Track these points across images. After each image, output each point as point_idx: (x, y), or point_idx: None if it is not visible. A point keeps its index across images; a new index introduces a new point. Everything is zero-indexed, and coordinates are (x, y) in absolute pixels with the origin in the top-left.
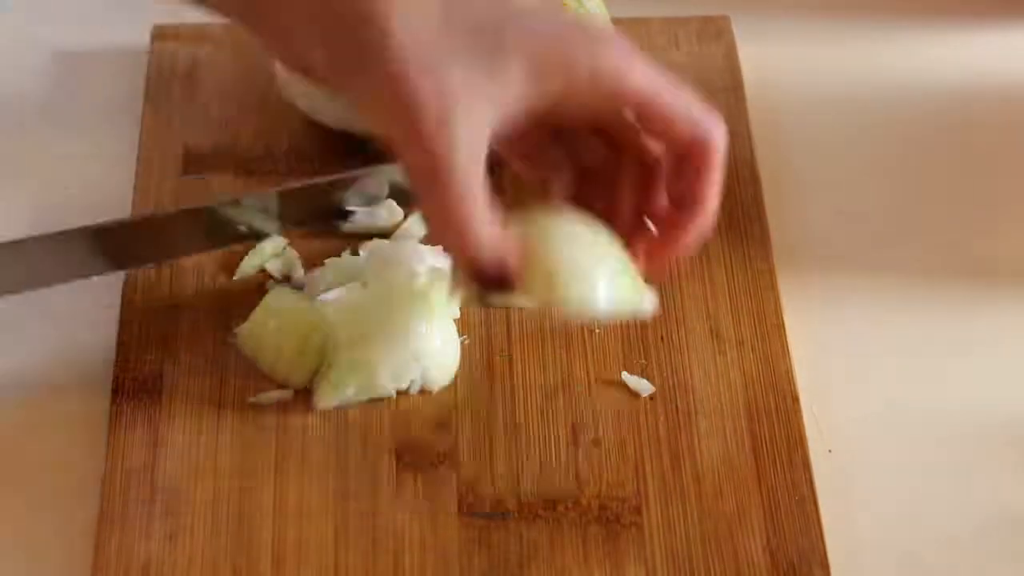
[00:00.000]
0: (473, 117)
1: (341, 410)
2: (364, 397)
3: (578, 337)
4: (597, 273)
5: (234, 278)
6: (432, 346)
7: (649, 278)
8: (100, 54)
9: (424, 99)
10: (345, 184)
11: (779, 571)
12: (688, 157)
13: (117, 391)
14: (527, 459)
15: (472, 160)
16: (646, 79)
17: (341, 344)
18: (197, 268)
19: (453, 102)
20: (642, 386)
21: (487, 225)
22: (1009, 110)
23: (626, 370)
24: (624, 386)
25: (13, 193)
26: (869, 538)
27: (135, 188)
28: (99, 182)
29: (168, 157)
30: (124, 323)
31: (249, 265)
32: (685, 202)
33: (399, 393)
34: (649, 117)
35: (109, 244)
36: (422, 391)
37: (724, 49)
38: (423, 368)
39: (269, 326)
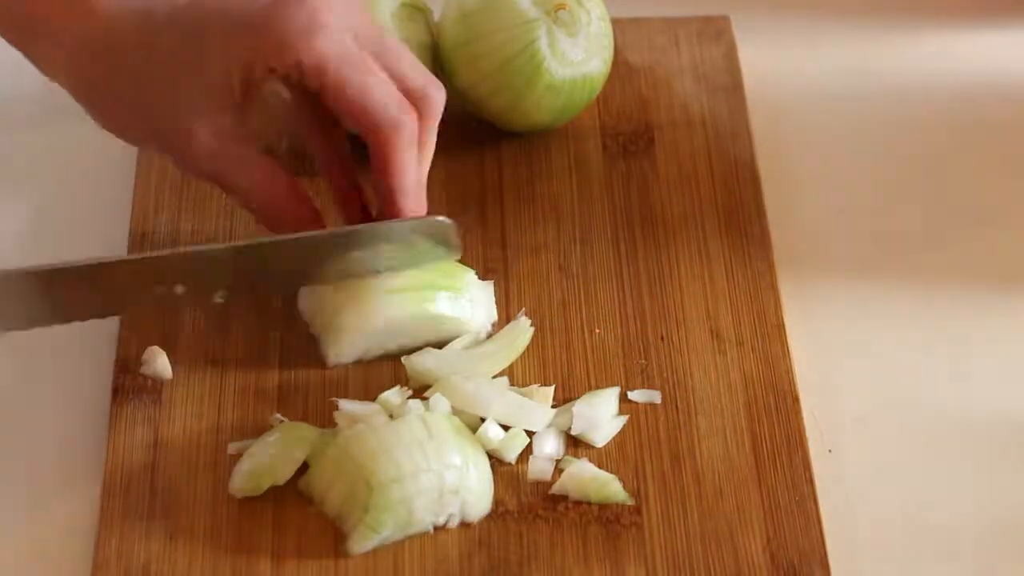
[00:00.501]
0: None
1: None
2: (400, 536)
3: (578, 337)
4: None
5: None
6: (470, 479)
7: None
8: None
9: None
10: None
11: (779, 571)
12: (372, 144)
13: (117, 391)
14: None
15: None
16: (323, 57)
17: (377, 484)
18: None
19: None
20: (652, 397)
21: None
22: (1009, 110)
23: (626, 370)
24: None
25: (13, 193)
26: (869, 538)
27: (135, 188)
28: (99, 182)
29: (168, 160)
30: (124, 323)
31: None
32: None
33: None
34: (332, 98)
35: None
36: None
37: (724, 49)
38: (462, 502)
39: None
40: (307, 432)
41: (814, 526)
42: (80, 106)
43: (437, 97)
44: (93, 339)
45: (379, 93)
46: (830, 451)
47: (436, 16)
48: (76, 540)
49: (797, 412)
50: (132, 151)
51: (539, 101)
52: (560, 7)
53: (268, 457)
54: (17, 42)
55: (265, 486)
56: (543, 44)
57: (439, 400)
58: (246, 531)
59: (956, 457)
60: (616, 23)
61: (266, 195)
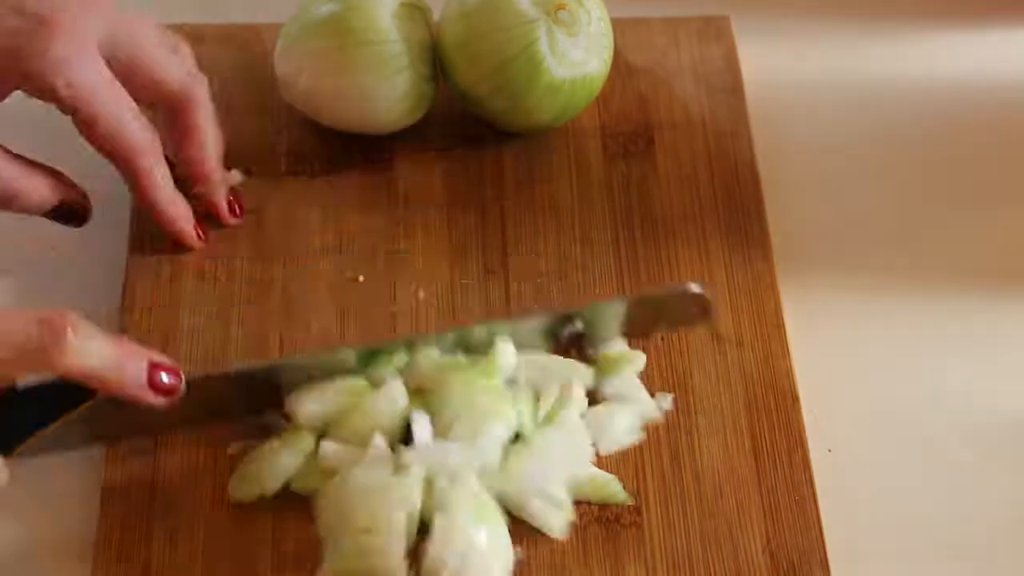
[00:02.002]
0: None
1: None
2: None
3: None
4: None
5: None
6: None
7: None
8: None
9: None
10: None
11: (779, 571)
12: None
13: None
14: None
15: None
16: (72, 99)
17: (351, 529)
18: (198, 269)
19: None
20: (664, 402)
21: None
22: (1009, 110)
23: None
24: None
25: None
26: (869, 538)
27: None
28: (99, 182)
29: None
30: (124, 324)
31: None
32: None
33: None
34: (84, 131)
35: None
36: None
37: (724, 49)
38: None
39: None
40: (307, 443)
41: (814, 526)
42: None
43: (196, 93)
44: None
45: (128, 130)
46: (830, 451)
47: (436, 16)
48: (76, 540)
49: (797, 412)
50: None
51: (539, 101)
52: (560, 7)
53: (267, 464)
54: None
55: (259, 493)
56: (543, 44)
57: (420, 419)
58: (246, 532)
59: (956, 457)
60: (616, 23)
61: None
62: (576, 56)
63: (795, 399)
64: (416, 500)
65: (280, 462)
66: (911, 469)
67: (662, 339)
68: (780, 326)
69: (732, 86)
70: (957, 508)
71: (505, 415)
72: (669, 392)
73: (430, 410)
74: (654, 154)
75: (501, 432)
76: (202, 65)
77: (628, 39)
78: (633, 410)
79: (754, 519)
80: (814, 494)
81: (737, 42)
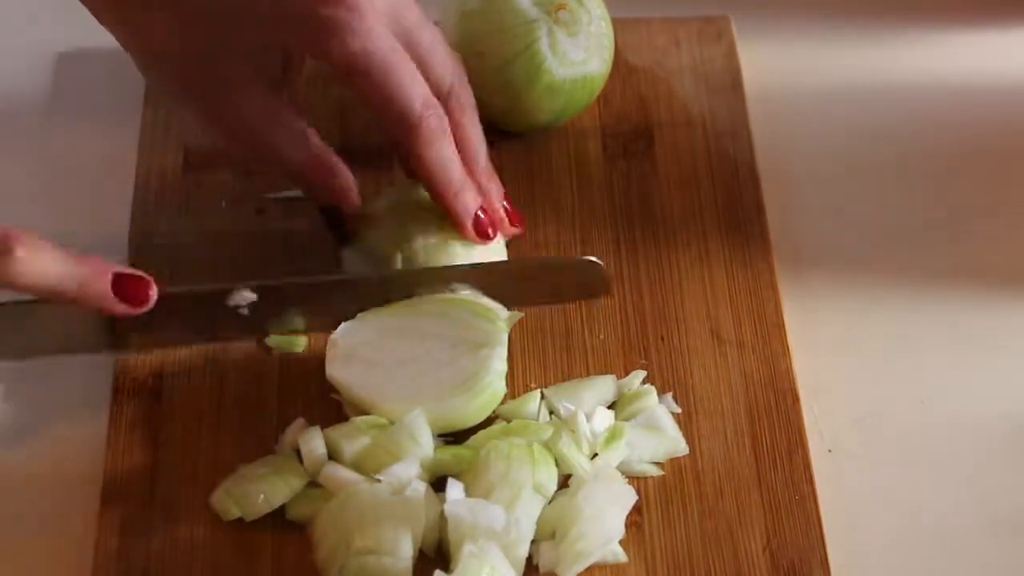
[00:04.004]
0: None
1: None
2: None
3: (578, 337)
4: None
5: None
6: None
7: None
8: (100, 54)
9: None
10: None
11: (779, 571)
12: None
13: (117, 391)
14: None
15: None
16: (353, 57)
17: (355, 551)
18: (197, 268)
19: None
20: (670, 406)
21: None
22: (1009, 110)
23: (626, 371)
24: None
25: (14, 193)
26: (869, 538)
27: (135, 188)
28: (99, 182)
29: (168, 157)
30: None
31: None
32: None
33: None
34: (360, 93)
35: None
36: None
37: (724, 49)
38: None
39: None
40: (295, 479)
41: (814, 526)
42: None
43: (463, 96)
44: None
45: (405, 93)
46: (830, 451)
47: (437, 16)
48: (76, 540)
49: (797, 412)
50: (132, 151)
51: (539, 101)
52: (560, 7)
53: (252, 489)
54: None
55: (235, 515)
56: (544, 44)
57: (454, 487)
58: (246, 531)
59: (956, 457)
60: (616, 23)
61: (293, 158)
62: (576, 56)
63: (795, 399)
64: (421, 519)
65: (268, 490)
66: (911, 469)
67: (662, 339)
68: (780, 326)
69: (732, 86)
70: (957, 508)
71: (542, 485)
72: (669, 392)
73: (468, 474)
74: (654, 154)
75: (536, 505)
76: None
77: (628, 39)
78: (659, 445)
79: (754, 519)
80: (814, 494)
81: (737, 42)
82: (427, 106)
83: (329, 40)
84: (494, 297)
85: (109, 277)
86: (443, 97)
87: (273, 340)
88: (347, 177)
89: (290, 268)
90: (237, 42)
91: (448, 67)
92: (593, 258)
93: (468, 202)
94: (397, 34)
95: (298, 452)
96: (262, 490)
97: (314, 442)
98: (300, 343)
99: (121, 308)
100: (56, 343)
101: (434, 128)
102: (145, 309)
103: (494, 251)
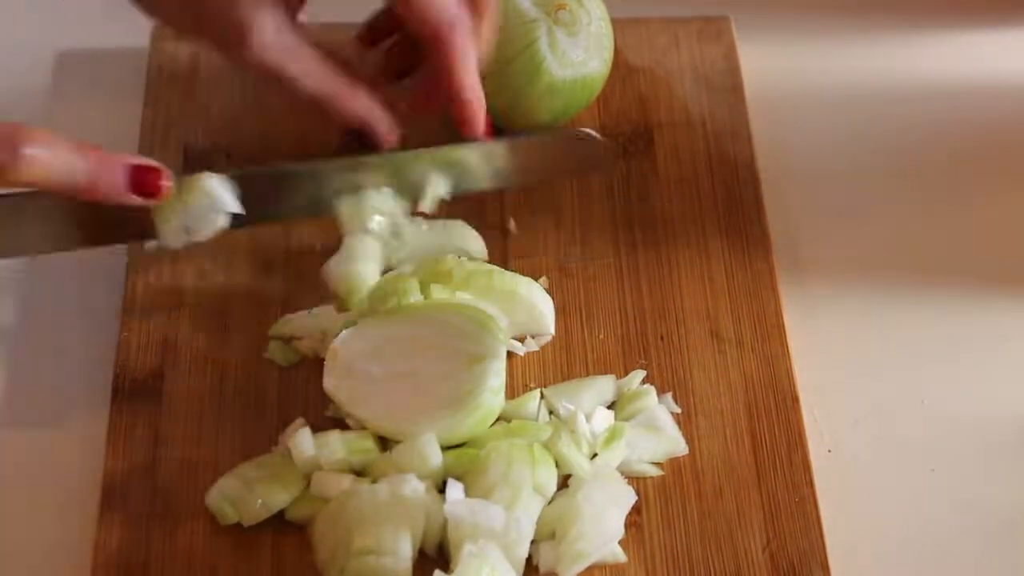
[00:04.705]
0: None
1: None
2: None
3: (578, 337)
4: None
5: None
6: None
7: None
8: (100, 54)
9: None
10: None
11: (779, 571)
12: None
13: (117, 391)
14: None
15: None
16: None
17: (354, 551)
18: (197, 268)
19: None
20: (670, 406)
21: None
22: (1009, 110)
23: (626, 370)
24: None
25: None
26: (869, 538)
27: None
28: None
29: (168, 157)
30: (124, 323)
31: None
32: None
33: None
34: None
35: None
36: None
37: (724, 49)
38: None
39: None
40: (293, 483)
41: (814, 526)
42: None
43: (464, 18)
44: (93, 339)
45: (442, 3)
46: (830, 451)
47: None
48: (76, 539)
49: (797, 412)
50: (132, 151)
51: (539, 101)
52: (560, 7)
53: (249, 495)
54: None
55: (233, 520)
56: (543, 44)
57: (454, 487)
58: (246, 531)
59: (956, 457)
60: (616, 23)
61: (320, 81)
62: (576, 56)
63: (795, 399)
64: (420, 519)
65: (266, 496)
66: (911, 469)
67: (662, 339)
68: (780, 326)
69: (732, 86)
70: (957, 508)
71: (542, 485)
72: (668, 392)
73: (468, 474)
74: (654, 154)
75: (536, 505)
76: (202, 65)
77: (628, 39)
78: (658, 445)
79: (754, 519)
80: (814, 494)
81: (737, 42)
82: (461, 6)
83: None
84: (494, 177)
85: (122, 169)
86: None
87: (271, 353)
88: (365, 104)
89: (289, 269)
90: None
91: None
92: (591, 131)
93: (477, 100)
94: None
95: None
96: (260, 495)
97: (304, 443)
98: (295, 357)
99: (135, 200)
100: (43, 240)
101: (469, 28)
102: (159, 200)
103: (538, 295)
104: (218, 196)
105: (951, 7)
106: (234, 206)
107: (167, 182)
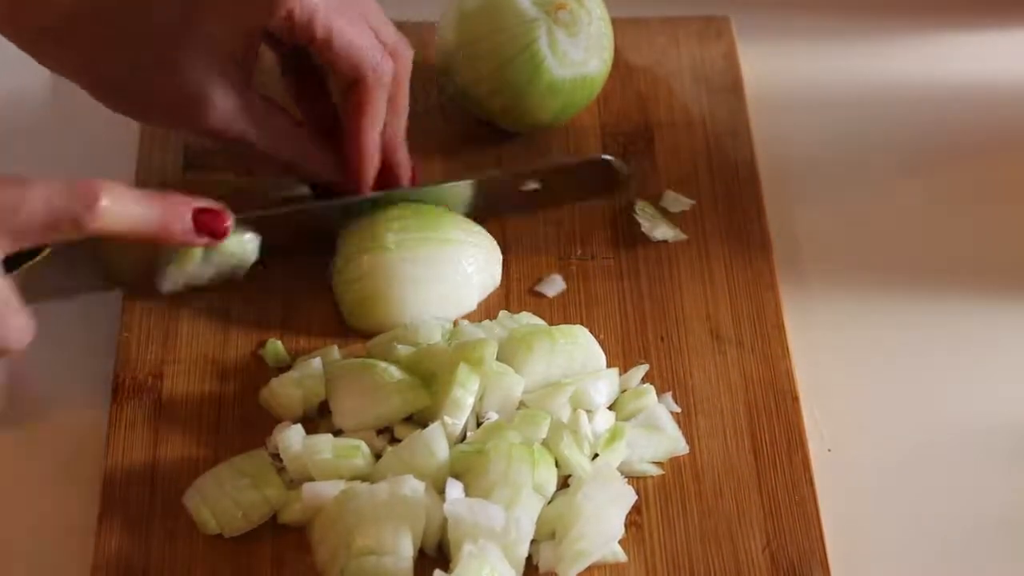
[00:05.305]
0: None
1: None
2: None
3: None
4: None
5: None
6: None
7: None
8: None
9: None
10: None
11: (779, 571)
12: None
13: (117, 391)
14: None
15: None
16: (314, 7)
17: (355, 551)
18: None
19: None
20: (670, 405)
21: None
22: (1009, 110)
23: (626, 369)
24: None
25: None
26: (869, 538)
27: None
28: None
29: (168, 157)
30: (124, 323)
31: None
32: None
33: None
34: (321, 47)
35: None
36: None
37: (724, 49)
38: None
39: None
40: (274, 491)
41: (814, 526)
42: (86, 100)
43: (407, 53)
44: (93, 339)
45: (364, 40)
46: (830, 451)
47: (437, 17)
48: (76, 540)
49: (797, 412)
50: (132, 151)
51: (539, 101)
52: (560, 7)
53: (229, 505)
54: (10, 33)
55: (214, 529)
56: (543, 44)
57: (454, 487)
58: (245, 532)
59: (956, 457)
60: (616, 23)
61: (289, 143)
62: (576, 56)
63: (795, 399)
64: (421, 518)
65: (247, 506)
66: (911, 469)
67: (662, 339)
68: (780, 326)
69: (732, 86)
70: (956, 508)
71: (542, 485)
72: (668, 392)
73: (468, 474)
74: (654, 154)
75: (536, 505)
76: None
77: (628, 39)
78: (659, 444)
79: (754, 519)
80: (814, 494)
81: (737, 42)
82: (384, 56)
83: (286, 2)
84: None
85: (190, 213)
86: (388, 50)
87: (266, 353)
88: (332, 159)
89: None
90: (193, 56)
91: (391, 29)
92: (607, 156)
93: (370, 160)
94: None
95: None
96: (241, 507)
97: (293, 439)
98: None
99: (202, 242)
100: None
101: (389, 77)
102: (223, 240)
103: (588, 349)
104: (243, 254)
105: (951, 7)
106: (253, 259)
107: (230, 223)
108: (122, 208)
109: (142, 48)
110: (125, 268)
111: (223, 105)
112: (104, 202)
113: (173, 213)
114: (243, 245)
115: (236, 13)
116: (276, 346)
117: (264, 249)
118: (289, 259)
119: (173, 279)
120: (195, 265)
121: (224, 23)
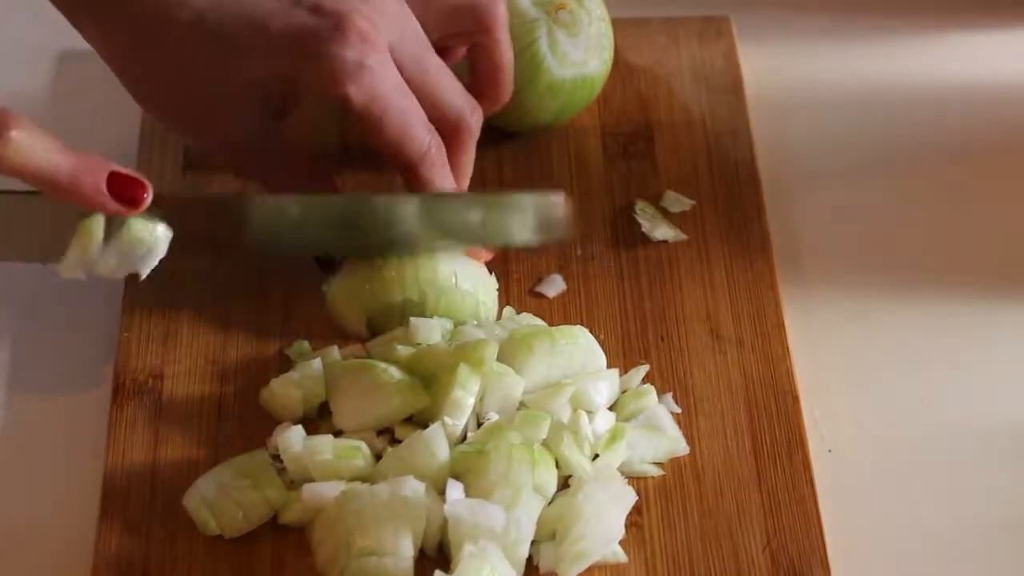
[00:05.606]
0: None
1: None
2: None
3: None
4: None
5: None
6: None
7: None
8: None
9: None
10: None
11: (779, 571)
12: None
13: (117, 391)
14: None
15: None
16: (369, 99)
17: (356, 551)
18: (197, 268)
19: None
20: (670, 406)
21: None
22: (1009, 110)
23: (626, 370)
24: None
25: None
26: (869, 538)
27: None
28: None
29: (168, 157)
30: (124, 323)
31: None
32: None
33: None
34: (370, 131)
35: None
36: None
37: (724, 49)
38: None
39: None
40: (274, 492)
41: (814, 526)
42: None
43: (472, 121)
44: (93, 339)
45: (414, 132)
46: (830, 451)
47: None
48: (76, 539)
49: (797, 412)
50: (132, 151)
51: (539, 101)
52: (560, 7)
53: (230, 505)
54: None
55: (214, 531)
56: (543, 44)
57: (454, 487)
58: (246, 532)
59: (956, 457)
60: (616, 23)
61: (282, 188)
62: (576, 56)
63: (795, 399)
64: (421, 519)
65: (247, 507)
66: (911, 469)
67: (662, 339)
68: (780, 326)
69: (732, 86)
70: (956, 508)
71: (543, 485)
72: (669, 392)
73: (469, 474)
74: (654, 154)
75: (537, 505)
76: None
77: (628, 39)
78: (659, 445)
79: (754, 519)
80: (814, 494)
81: (737, 42)
82: (432, 143)
83: (344, 82)
84: (454, 237)
85: (105, 173)
86: (451, 124)
87: (292, 352)
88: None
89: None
90: (240, 71)
91: (456, 92)
92: (554, 195)
93: None
94: (404, 64)
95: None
96: (241, 508)
97: (294, 439)
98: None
99: (113, 206)
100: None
101: (434, 161)
102: (137, 212)
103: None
104: (152, 244)
105: (951, 7)
106: (160, 254)
107: (147, 195)
108: (33, 143)
109: (191, 64)
110: (31, 239)
111: (230, 137)
112: (15, 132)
113: (86, 167)
114: (152, 233)
115: (279, 71)
116: (303, 346)
117: (176, 244)
118: (288, 259)
119: (71, 261)
120: (96, 248)
121: (263, 73)
